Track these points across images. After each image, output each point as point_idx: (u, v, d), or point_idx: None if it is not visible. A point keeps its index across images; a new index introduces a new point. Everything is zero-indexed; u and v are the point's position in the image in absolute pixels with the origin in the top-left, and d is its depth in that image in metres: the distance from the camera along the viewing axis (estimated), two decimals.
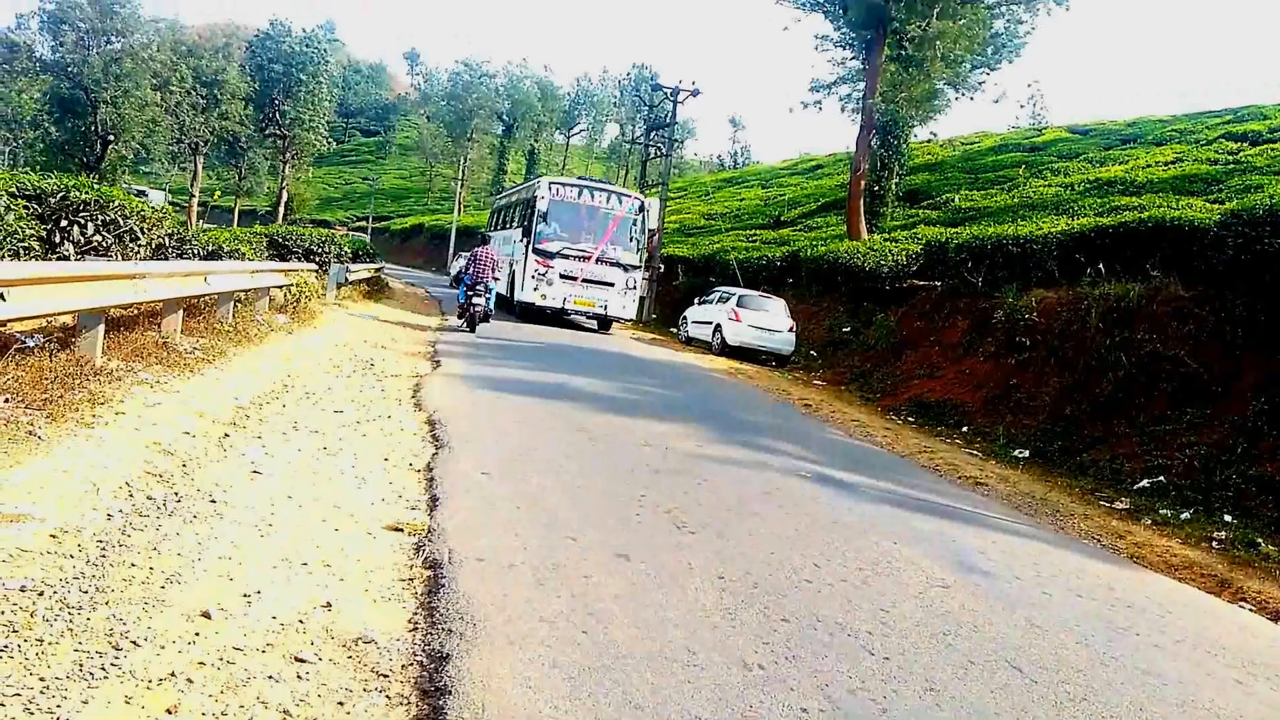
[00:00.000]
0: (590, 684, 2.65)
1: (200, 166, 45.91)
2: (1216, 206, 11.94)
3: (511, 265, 18.40)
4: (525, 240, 17.24)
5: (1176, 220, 10.72)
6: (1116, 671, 3.53)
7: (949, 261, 14.17)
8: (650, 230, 19.12)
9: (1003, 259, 12.84)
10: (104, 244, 7.71)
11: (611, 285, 17.10)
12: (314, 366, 8.01)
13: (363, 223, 63.27)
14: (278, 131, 49.28)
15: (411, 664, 2.67)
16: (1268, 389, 7.82)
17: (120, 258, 7.73)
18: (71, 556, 2.96)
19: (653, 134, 29.02)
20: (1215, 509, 7.06)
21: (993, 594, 4.24)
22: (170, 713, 2.22)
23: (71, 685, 2.24)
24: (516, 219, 19.50)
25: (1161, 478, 7.78)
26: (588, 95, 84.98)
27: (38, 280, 4.75)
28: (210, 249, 10.15)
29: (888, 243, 16.70)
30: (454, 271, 30.66)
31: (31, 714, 2.10)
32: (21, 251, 6.46)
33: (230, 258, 10.03)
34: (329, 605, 2.98)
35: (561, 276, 16.74)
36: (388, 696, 2.47)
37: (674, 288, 23.82)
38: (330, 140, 56.95)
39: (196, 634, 2.62)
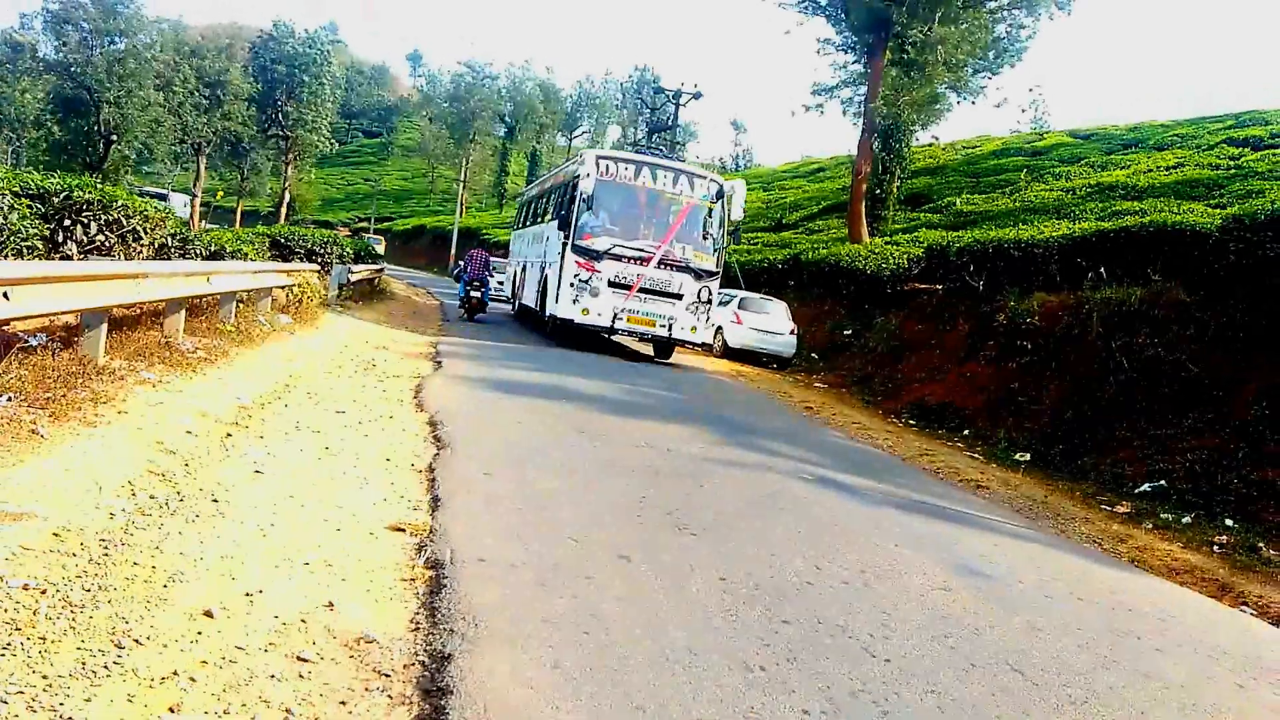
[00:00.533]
0: (591, 684, 2.64)
1: (203, 167, 46.08)
2: (1218, 211, 11.92)
3: (543, 270, 14.35)
4: (563, 235, 12.79)
5: (1178, 225, 10.70)
6: (1118, 674, 3.52)
7: (950, 265, 14.16)
8: (735, 224, 13.66)
9: (1004, 263, 12.82)
10: (107, 244, 7.73)
11: (679, 298, 12.77)
12: (316, 367, 8.03)
13: (364, 223, 63.39)
14: (280, 132, 49.43)
15: (413, 664, 2.67)
16: (1269, 393, 7.81)
17: (123, 257, 7.75)
18: (74, 555, 2.96)
19: (654, 136, 29.09)
20: (1217, 513, 7.06)
21: (994, 597, 4.24)
22: (173, 711, 2.22)
23: (74, 683, 2.24)
24: (551, 210, 15.40)
25: (1163, 482, 7.78)
26: (590, 97, 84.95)
27: (41, 279, 4.76)
28: (213, 249, 10.16)
29: (889, 246, 16.68)
30: (454, 272, 32.29)
31: (34, 712, 2.10)
32: (25, 251, 6.48)
33: (233, 258, 10.04)
34: (331, 605, 2.99)
35: (611, 284, 12.54)
36: (390, 696, 2.47)
37: None
38: (332, 141, 57.03)
39: (199, 633, 2.63)
